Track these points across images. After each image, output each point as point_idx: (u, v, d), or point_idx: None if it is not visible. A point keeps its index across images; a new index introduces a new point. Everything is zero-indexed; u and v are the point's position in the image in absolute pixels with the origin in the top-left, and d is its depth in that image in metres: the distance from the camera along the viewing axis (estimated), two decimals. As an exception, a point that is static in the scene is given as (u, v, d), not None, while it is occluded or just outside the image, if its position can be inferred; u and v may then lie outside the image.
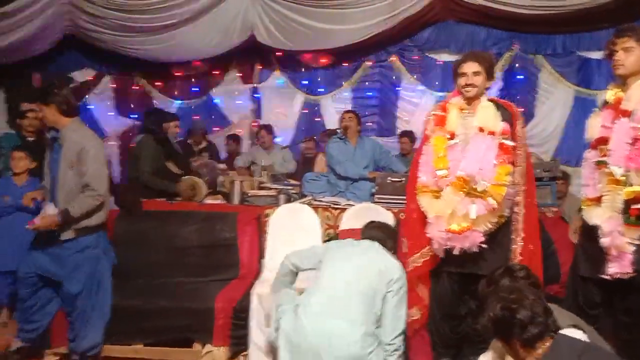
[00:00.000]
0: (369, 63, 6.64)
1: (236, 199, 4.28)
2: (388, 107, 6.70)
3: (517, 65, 6.23)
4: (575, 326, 1.97)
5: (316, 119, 6.86)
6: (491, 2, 5.65)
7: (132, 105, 7.19)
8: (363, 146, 4.72)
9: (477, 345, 2.89)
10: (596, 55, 5.94)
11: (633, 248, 2.43)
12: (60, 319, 3.40)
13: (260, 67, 6.98)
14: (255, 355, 3.28)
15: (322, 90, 6.85)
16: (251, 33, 6.20)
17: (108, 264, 3.43)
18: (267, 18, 6.06)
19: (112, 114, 7.33)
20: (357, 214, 3.76)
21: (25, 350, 3.40)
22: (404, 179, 4.06)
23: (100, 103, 7.31)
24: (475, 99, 2.91)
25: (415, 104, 6.59)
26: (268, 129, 6.12)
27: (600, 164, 2.54)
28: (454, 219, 2.75)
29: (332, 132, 5.43)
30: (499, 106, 2.91)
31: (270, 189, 4.44)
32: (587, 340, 1.90)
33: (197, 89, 7.20)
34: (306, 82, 6.89)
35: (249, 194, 4.32)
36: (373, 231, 2.97)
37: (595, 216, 2.53)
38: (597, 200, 2.56)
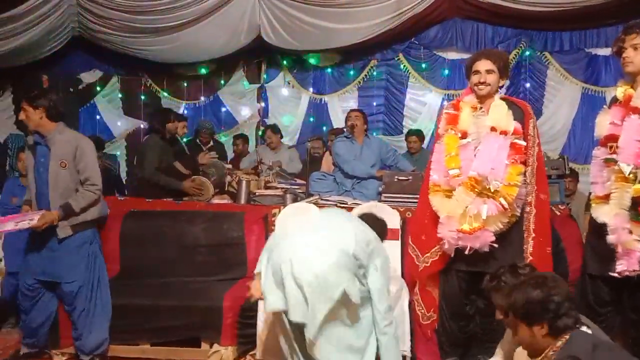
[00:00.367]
0: (375, 62, 6.64)
1: (243, 199, 4.28)
2: (394, 106, 6.69)
3: (524, 62, 6.20)
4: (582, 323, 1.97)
5: (323, 119, 6.87)
6: (498, -1, 5.65)
7: (139, 106, 7.23)
8: (370, 145, 4.71)
9: (485, 344, 2.90)
10: (604, 52, 5.91)
11: (641, 245, 2.41)
12: (66, 319, 3.39)
13: (267, 67, 6.99)
14: (263, 354, 3.29)
15: (329, 89, 6.85)
16: (257, 33, 6.21)
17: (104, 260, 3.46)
18: (273, 18, 6.08)
19: (120, 115, 7.38)
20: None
21: (33, 353, 3.42)
22: (411, 177, 4.05)
23: (108, 104, 7.37)
24: (488, 97, 2.89)
25: (422, 103, 6.59)
26: (274, 128, 6.13)
27: (609, 162, 2.52)
28: (465, 218, 2.74)
29: (339, 131, 5.42)
30: (511, 105, 2.90)
31: (277, 188, 4.45)
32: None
33: (204, 90, 7.24)
34: (312, 82, 6.90)
35: (256, 194, 4.33)
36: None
37: (603, 214, 2.51)
38: (606, 198, 2.54)
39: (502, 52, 3.18)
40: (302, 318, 2.33)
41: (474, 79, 2.88)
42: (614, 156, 2.50)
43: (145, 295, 3.49)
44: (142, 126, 7.08)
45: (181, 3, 5.95)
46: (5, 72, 6.60)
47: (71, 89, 7.02)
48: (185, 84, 7.23)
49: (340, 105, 6.74)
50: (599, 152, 2.62)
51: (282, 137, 6.19)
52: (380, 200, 4.09)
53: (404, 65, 6.55)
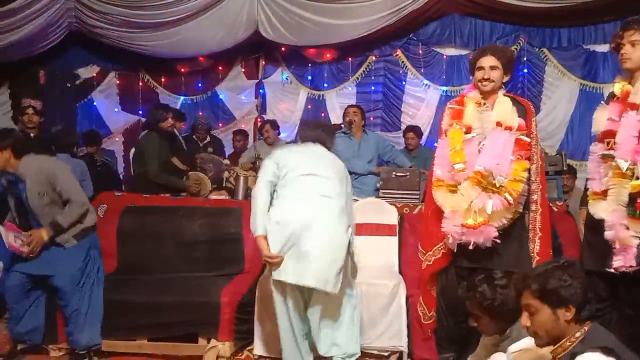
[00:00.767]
0: (374, 58, 6.63)
1: (241, 195, 4.28)
2: (392, 102, 6.68)
3: (522, 58, 6.20)
4: None
5: (321, 114, 6.86)
6: (496, -5, 5.64)
7: (137, 101, 7.22)
8: (367, 141, 4.71)
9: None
10: (602, 48, 5.91)
11: (638, 241, 2.41)
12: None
13: (265, 63, 6.98)
14: (260, 349, 3.30)
15: (327, 85, 6.84)
16: (255, 28, 6.20)
17: (101, 263, 3.52)
18: (271, 13, 6.06)
19: (117, 110, 7.37)
20: (362, 209, 3.75)
21: (30, 348, 3.44)
22: (408, 173, 4.06)
23: (105, 99, 7.35)
24: (492, 94, 2.89)
25: (420, 99, 6.58)
26: (273, 124, 6.12)
27: (607, 157, 2.52)
28: (470, 213, 2.73)
29: (337, 127, 5.42)
30: (515, 102, 2.91)
31: (275, 184, 4.43)
32: None
33: (202, 85, 7.23)
34: (310, 78, 6.89)
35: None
36: (313, 132, 3.09)
37: (600, 210, 2.51)
38: (603, 194, 2.54)
39: (506, 48, 3.18)
40: None
41: (478, 75, 2.87)
42: (611, 152, 2.50)
43: (142, 290, 3.49)
44: (140, 119, 7.06)
45: (178, -2, 5.94)
46: (2, 67, 6.57)
47: (68, 84, 7.01)
48: (183, 79, 7.21)
49: (338, 101, 6.72)
50: (597, 148, 2.62)
51: (279, 132, 6.19)
52: (378, 196, 4.09)
53: (402, 61, 6.54)
